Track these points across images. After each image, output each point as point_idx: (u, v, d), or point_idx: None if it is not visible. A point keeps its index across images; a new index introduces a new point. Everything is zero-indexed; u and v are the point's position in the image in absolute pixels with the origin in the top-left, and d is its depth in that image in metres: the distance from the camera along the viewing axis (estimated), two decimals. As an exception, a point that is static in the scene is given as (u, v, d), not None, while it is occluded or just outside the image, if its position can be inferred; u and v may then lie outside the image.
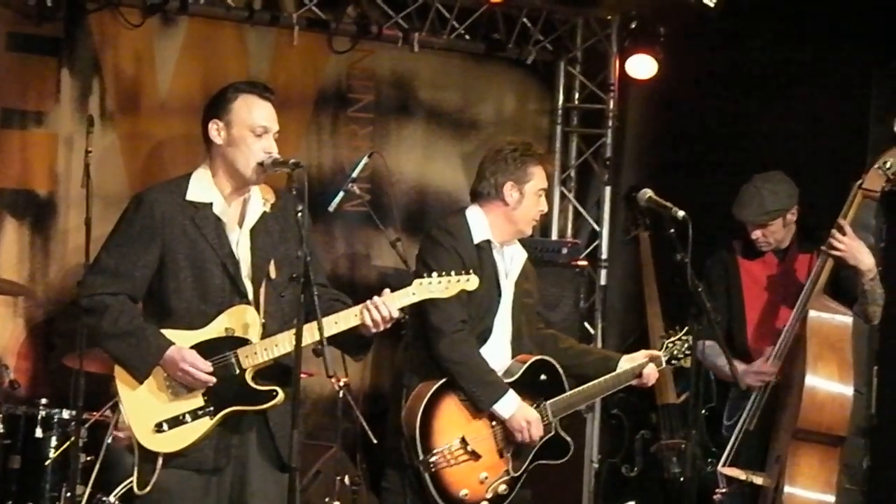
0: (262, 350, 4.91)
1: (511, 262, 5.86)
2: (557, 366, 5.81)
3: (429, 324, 5.62)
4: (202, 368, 4.86)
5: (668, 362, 5.94)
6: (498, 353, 5.76)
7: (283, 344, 4.89)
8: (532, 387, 5.73)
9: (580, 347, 6.21)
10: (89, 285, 4.96)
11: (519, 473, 5.71)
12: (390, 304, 4.98)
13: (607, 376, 5.85)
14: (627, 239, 8.86)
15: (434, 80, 9.11)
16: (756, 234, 6.39)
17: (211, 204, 4.99)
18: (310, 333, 4.78)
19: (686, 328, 5.89)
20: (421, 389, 5.63)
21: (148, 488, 4.87)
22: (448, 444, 5.58)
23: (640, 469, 8.50)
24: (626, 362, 5.90)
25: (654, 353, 5.94)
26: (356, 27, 8.57)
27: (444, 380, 5.62)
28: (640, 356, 5.92)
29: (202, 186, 5.00)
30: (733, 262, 6.53)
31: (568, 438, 5.81)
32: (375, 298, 4.98)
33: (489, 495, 5.62)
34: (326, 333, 4.79)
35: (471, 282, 5.16)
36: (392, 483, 5.72)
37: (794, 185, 6.43)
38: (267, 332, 4.94)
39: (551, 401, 5.76)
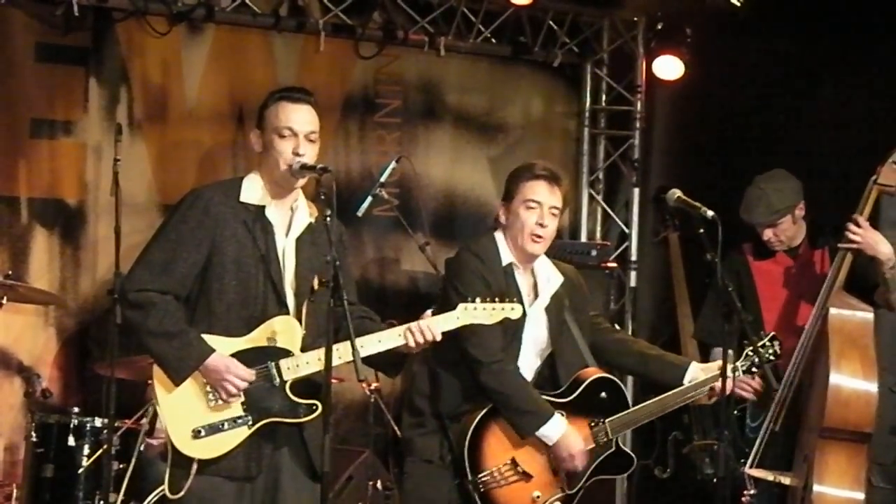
0: (305, 362, 4.89)
1: (547, 283, 5.71)
2: (619, 382, 5.73)
3: (468, 355, 5.49)
4: (245, 378, 4.84)
5: (747, 371, 5.77)
6: (524, 371, 5.63)
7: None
8: (591, 405, 5.64)
9: (651, 353, 5.98)
10: (137, 280, 4.91)
11: (575, 490, 5.61)
12: (434, 327, 5.00)
13: (671, 392, 5.72)
14: (657, 240, 8.83)
15: (461, 84, 9.11)
16: (768, 235, 6.44)
17: (264, 207, 4.98)
18: (346, 351, 4.76)
19: (772, 333, 5.83)
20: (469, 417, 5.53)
21: (181, 493, 4.84)
22: (497, 466, 5.50)
23: (673, 470, 8.46)
24: (698, 370, 5.76)
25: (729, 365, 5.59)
26: (382, 32, 8.57)
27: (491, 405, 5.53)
28: (714, 367, 5.69)
29: (255, 189, 4.99)
30: (745, 265, 6.55)
31: (631, 453, 5.75)
32: (420, 322, 4.99)
33: None
34: (370, 351, 4.83)
35: (515, 310, 5.19)
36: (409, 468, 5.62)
37: (797, 181, 6.47)
38: (305, 345, 4.92)
39: (611, 419, 5.65)
